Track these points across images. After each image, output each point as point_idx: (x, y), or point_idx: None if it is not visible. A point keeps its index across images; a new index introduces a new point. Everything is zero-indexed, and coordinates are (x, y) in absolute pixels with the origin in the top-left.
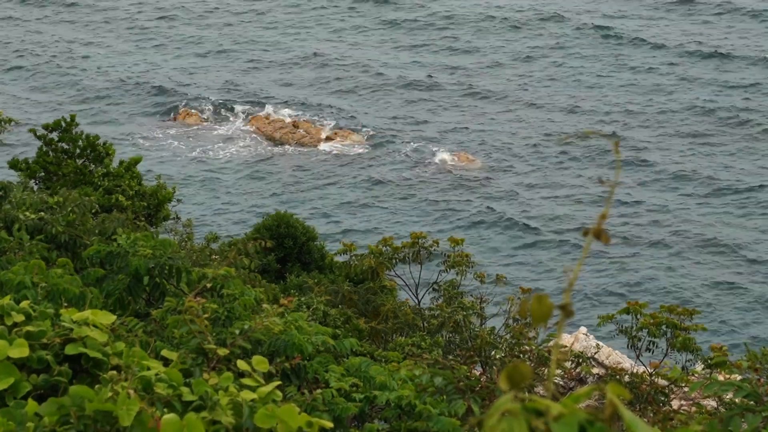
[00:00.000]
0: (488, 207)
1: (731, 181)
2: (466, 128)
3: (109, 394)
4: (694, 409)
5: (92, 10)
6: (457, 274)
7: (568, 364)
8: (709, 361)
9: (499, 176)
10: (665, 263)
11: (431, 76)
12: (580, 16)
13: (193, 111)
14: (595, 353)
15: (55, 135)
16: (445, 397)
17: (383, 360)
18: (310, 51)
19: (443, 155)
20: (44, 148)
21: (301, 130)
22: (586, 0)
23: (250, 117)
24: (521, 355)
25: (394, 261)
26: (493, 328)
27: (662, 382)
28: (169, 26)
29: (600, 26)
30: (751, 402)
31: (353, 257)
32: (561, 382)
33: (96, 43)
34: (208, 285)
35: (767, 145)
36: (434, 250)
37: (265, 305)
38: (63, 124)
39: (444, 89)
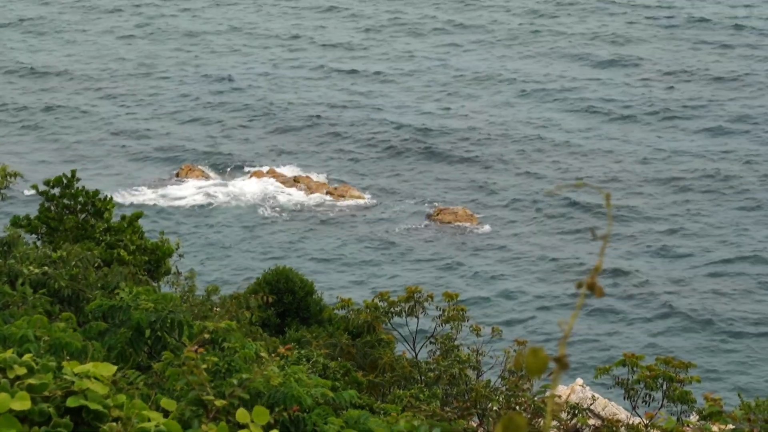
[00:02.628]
0: (487, 262)
1: (720, 238)
2: (466, 184)
3: None
4: None
5: (78, 75)
6: (451, 328)
7: (563, 416)
8: (703, 412)
9: (498, 231)
10: (658, 312)
11: (429, 130)
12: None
13: (195, 166)
14: (591, 404)
15: (56, 191)
16: None
17: (382, 412)
18: (311, 109)
19: (443, 210)
20: (46, 204)
21: (302, 185)
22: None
23: (251, 172)
24: (517, 407)
25: (390, 315)
26: (489, 380)
27: None
28: (170, 81)
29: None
30: None
31: (350, 311)
32: None
33: (97, 98)
34: (207, 336)
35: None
36: (430, 304)
37: (263, 353)
38: (64, 180)
39: (443, 147)
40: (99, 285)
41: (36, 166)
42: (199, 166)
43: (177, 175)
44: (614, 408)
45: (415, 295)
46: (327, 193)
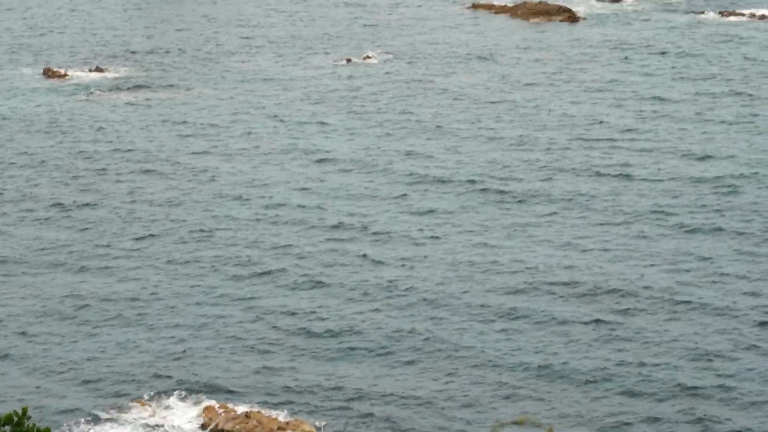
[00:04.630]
0: None
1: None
2: (422, 395)
3: None
4: None
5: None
6: None
7: None
8: None
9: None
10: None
11: (386, 333)
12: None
13: (144, 401)
14: None
15: (6, 429)
16: None
17: None
18: (260, 341)
19: None
20: None
21: (254, 420)
22: None
23: (202, 408)
24: None
25: None
26: None
27: None
28: (105, 306)
29: None
30: None
31: None
32: None
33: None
34: None
35: None
36: None
37: None
38: (15, 418)
39: (399, 349)
40: None
41: None
42: (146, 400)
43: (120, 408)
44: None
45: None
46: (278, 428)
